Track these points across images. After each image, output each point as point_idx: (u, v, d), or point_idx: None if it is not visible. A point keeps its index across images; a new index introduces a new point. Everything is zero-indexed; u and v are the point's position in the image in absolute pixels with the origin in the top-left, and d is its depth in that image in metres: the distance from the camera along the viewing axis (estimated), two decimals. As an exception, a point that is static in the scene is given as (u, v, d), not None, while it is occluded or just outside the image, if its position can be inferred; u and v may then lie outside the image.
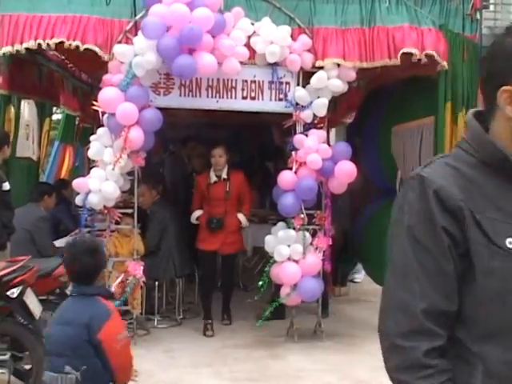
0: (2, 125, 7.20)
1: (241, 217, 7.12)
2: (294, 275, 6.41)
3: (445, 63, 6.43)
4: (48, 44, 6.11)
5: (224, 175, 7.05)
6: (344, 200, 7.85)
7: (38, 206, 7.06)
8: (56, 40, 6.08)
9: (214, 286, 7.49)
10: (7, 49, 6.11)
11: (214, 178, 7.05)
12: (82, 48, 6.10)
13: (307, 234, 6.59)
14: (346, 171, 6.50)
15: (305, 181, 6.37)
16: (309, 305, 6.89)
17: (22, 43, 6.08)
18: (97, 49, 6.11)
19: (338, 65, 6.41)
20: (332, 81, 6.41)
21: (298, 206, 6.46)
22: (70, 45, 6.07)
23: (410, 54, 6.28)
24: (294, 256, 6.47)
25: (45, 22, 6.09)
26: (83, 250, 3.58)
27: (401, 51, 6.27)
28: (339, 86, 6.45)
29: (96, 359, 3.41)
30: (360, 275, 9.89)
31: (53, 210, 7.47)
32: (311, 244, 6.62)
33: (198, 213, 7.17)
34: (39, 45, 6.10)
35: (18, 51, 6.15)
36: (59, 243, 6.87)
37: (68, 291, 5.03)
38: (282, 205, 6.49)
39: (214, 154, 7.01)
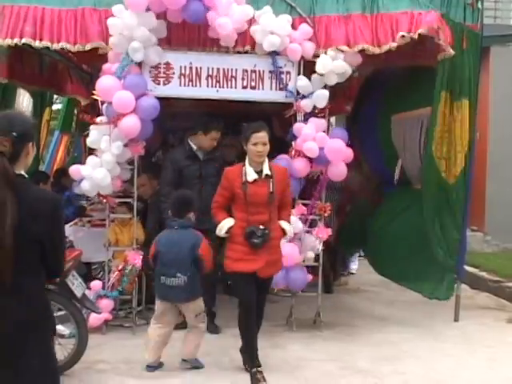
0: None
1: (284, 225, 5.42)
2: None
3: (450, 49, 6.38)
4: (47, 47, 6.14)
5: (266, 170, 5.28)
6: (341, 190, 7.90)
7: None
8: (58, 46, 6.09)
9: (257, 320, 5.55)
10: (7, 41, 6.08)
11: (252, 175, 5.23)
12: (87, 48, 6.11)
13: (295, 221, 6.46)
14: (337, 149, 6.45)
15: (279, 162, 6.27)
16: (308, 294, 6.87)
17: (21, 37, 6.05)
18: (103, 44, 6.12)
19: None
20: (336, 63, 6.34)
21: None
22: (74, 46, 6.08)
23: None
24: None
25: (47, 15, 6.08)
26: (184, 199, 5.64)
27: (400, 34, 6.17)
28: (344, 67, 6.38)
29: (194, 269, 5.32)
30: (355, 265, 9.90)
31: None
32: (310, 233, 6.60)
33: (229, 222, 5.27)
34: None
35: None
36: None
37: (68, 280, 5.07)
38: None
39: (256, 139, 5.20)
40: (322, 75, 6.42)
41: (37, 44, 6.05)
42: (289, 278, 6.45)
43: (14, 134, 2.91)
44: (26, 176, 3.01)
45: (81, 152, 11.03)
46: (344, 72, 6.44)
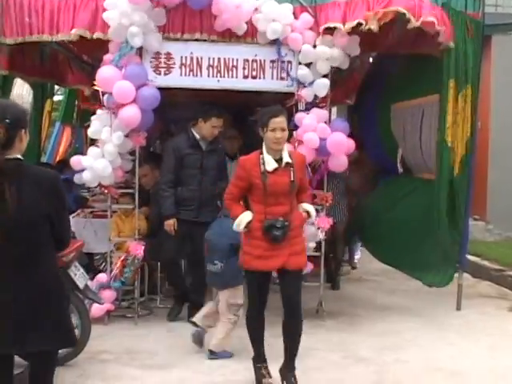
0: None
1: (308, 207, 5.03)
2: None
3: (451, 42, 6.43)
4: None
5: (287, 158, 4.85)
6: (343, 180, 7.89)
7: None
8: (60, 37, 6.15)
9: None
10: (11, 40, 6.21)
11: (272, 164, 4.79)
12: (92, 37, 6.13)
13: None
14: (338, 143, 6.43)
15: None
16: (311, 284, 6.87)
17: (25, 35, 6.14)
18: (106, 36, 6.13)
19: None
20: (321, 48, 6.32)
21: None
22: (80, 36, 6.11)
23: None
24: None
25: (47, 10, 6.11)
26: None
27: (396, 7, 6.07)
28: (338, 56, 6.37)
29: (233, 257, 5.30)
30: (357, 256, 9.82)
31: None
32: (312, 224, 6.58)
33: (247, 217, 4.81)
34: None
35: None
36: None
37: (70, 271, 5.07)
38: None
39: (274, 125, 4.77)
40: (311, 64, 6.41)
41: (46, 38, 6.12)
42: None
43: (7, 120, 3.10)
44: (22, 159, 3.20)
45: (82, 143, 11.03)
46: (335, 57, 6.38)
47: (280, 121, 4.78)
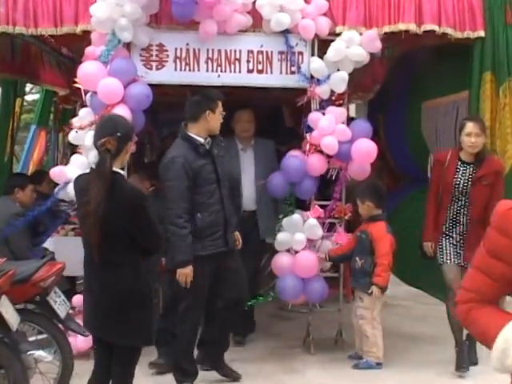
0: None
1: None
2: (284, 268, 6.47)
3: (481, 31, 6.52)
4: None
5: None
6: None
7: (13, 200, 7.05)
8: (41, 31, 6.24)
9: None
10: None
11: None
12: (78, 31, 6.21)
13: (296, 217, 6.52)
14: (364, 151, 6.43)
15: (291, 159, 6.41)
16: (328, 309, 6.87)
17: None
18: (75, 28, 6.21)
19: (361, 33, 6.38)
20: (352, 49, 6.35)
21: (286, 188, 6.50)
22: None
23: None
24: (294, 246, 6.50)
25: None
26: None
27: (422, 27, 6.39)
28: (361, 54, 6.39)
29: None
30: None
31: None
32: (327, 238, 6.59)
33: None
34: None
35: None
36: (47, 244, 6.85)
37: (49, 298, 5.06)
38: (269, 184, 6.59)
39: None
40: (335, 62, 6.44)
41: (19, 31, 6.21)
42: (306, 290, 6.47)
43: (119, 134, 4.03)
44: (122, 173, 4.16)
45: (55, 150, 10.97)
46: (362, 60, 6.47)
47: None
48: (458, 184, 6.06)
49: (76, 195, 4.36)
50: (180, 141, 5.77)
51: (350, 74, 6.49)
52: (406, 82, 8.21)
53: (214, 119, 5.76)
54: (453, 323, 6.07)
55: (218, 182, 5.73)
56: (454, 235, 6.21)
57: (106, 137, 4.01)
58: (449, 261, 6.16)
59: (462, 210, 6.15)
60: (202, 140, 5.70)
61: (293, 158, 6.42)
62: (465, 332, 5.94)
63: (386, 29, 6.42)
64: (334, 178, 6.60)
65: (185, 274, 5.50)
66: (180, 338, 5.76)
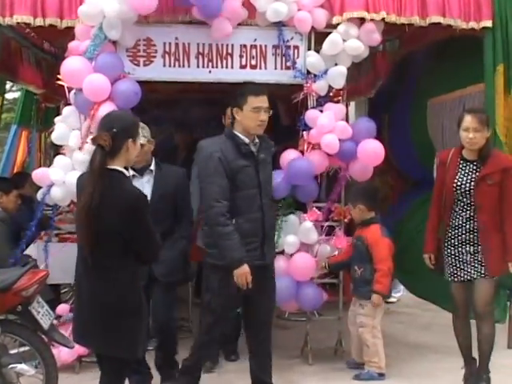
0: None
1: None
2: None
3: (489, 22, 6.49)
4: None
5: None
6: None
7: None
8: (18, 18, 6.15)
9: None
10: None
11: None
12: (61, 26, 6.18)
13: (292, 218, 6.46)
14: (371, 151, 6.38)
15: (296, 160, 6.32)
16: (327, 318, 6.82)
17: None
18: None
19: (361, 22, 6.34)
20: (350, 42, 6.32)
21: (287, 189, 6.37)
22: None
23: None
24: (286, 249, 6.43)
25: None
26: None
27: (427, 19, 6.38)
28: (358, 48, 6.36)
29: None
30: (398, 292, 9.41)
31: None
32: (325, 242, 6.55)
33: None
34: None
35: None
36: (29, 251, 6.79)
37: (32, 308, 4.99)
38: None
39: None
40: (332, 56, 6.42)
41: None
42: (298, 296, 6.40)
43: (115, 129, 3.98)
44: (123, 171, 4.08)
45: (34, 150, 10.91)
46: (360, 54, 6.44)
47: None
48: (460, 185, 5.67)
49: (77, 195, 4.29)
50: (223, 137, 5.43)
51: (348, 69, 6.46)
52: (412, 81, 8.24)
53: (246, 118, 5.34)
54: (460, 342, 5.94)
55: (259, 188, 5.39)
56: (460, 246, 5.77)
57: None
58: (455, 278, 5.78)
59: (466, 215, 5.71)
60: (246, 140, 5.37)
61: (298, 160, 6.35)
62: (474, 350, 5.85)
63: (389, 18, 6.37)
64: (332, 178, 6.61)
65: (242, 273, 5.14)
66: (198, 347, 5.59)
